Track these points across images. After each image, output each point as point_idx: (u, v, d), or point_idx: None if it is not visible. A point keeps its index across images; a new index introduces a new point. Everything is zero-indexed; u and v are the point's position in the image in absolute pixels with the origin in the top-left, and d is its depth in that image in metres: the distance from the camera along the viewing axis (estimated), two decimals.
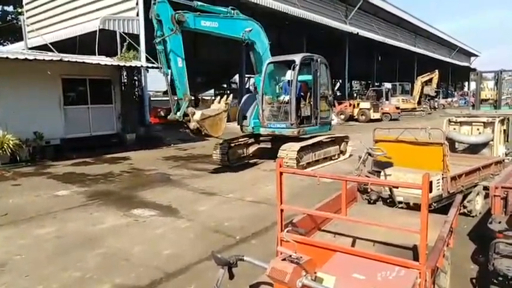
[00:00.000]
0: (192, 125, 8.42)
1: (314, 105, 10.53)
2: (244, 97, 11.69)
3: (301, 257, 1.88)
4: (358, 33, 28.33)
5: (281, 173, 2.70)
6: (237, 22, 10.00)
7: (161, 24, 8.25)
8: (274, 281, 1.90)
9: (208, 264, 4.11)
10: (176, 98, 8.60)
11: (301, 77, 10.52)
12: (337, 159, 11.11)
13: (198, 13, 8.97)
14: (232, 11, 9.92)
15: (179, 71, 8.39)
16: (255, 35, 10.32)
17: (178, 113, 8.43)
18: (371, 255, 2.46)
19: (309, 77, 10.58)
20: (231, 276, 2.05)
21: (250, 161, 10.90)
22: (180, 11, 8.39)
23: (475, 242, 4.69)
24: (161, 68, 8.46)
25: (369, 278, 2.17)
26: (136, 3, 15.43)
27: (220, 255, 2.03)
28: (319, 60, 10.60)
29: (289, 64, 10.17)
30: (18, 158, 10.81)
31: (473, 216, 5.63)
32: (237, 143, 10.63)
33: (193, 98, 8.65)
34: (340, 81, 30.09)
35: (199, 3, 9.29)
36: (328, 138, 10.90)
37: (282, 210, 2.79)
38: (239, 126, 11.30)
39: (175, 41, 8.31)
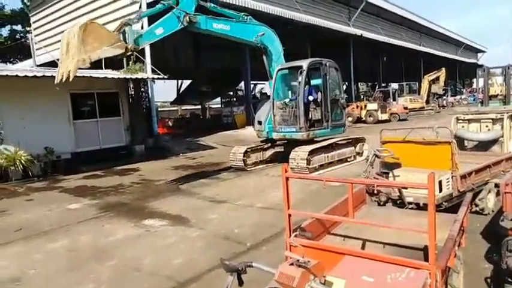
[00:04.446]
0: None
1: (325, 108, 10.60)
2: (260, 104, 11.94)
3: (308, 261, 1.89)
4: (362, 34, 28.28)
5: (287, 178, 2.71)
6: (250, 26, 10.19)
7: (177, 4, 8.59)
8: (283, 286, 1.91)
9: (219, 272, 4.10)
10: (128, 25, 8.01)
11: (313, 82, 10.78)
12: (353, 160, 11.09)
13: (210, 16, 9.17)
14: (246, 17, 10.11)
15: (152, 33, 8.35)
16: (268, 39, 10.49)
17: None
18: (380, 257, 2.45)
19: (320, 81, 10.71)
20: (240, 282, 2.06)
21: (259, 167, 10.94)
22: (193, 13, 8.66)
23: (489, 241, 4.62)
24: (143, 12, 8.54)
25: (378, 280, 2.17)
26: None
27: (228, 262, 2.04)
28: (327, 64, 10.71)
29: (298, 70, 10.29)
30: (30, 174, 10.98)
31: (485, 215, 5.55)
32: (253, 148, 10.94)
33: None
34: (346, 83, 29.93)
35: (212, 4, 9.50)
36: (343, 140, 10.96)
37: (289, 215, 2.80)
38: (253, 132, 11.50)
39: (171, 21, 8.47)
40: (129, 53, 7.96)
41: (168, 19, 8.52)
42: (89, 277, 4.42)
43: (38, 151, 11.37)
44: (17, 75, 10.61)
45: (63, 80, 6.89)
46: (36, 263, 4.96)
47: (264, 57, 10.93)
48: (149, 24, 15.17)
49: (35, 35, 21.53)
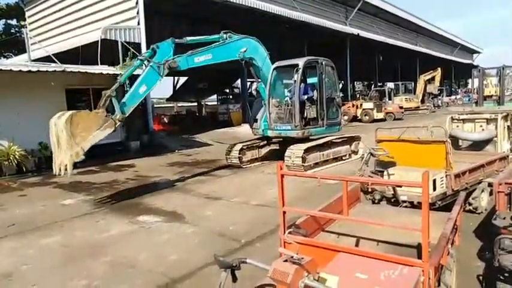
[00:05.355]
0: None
1: (320, 106, 10.61)
2: (255, 101, 11.90)
3: (302, 258, 1.89)
4: (358, 34, 28.32)
5: (282, 176, 2.71)
6: (231, 46, 9.75)
7: (154, 54, 8.35)
8: (277, 282, 1.91)
9: (213, 269, 4.11)
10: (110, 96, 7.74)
11: (310, 80, 10.78)
12: (348, 159, 11.13)
13: (189, 52, 8.80)
14: (225, 35, 9.73)
15: (136, 94, 8.13)
16: (252, 51, 10.21)
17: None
18: (374, 254, 2.47)
19: (316, 80, 10.70)
20: (234, 279, 2.07)
21: (254, 165, 10.96)
22: (172, 58, 8.37)
23: (481, 239, 4.66)
24: (121, 75, 8.26)
25: (371, 277, 2.17)
26: (137, 13, 15.56)
27: (222, 258, 2.05)
28: (324, 62, 10.71)
29: (294, 68, 10.27)
30: (24, 169, 10.92)
31: (479, 213, 5.60)
32: (249, 145, 10.95)
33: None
34: (343, 82, 29.98)
35: (189, 38, 9.19)
36: (338, 138, 11.00)
37: (284, 213, 2.80)
38: (249, 130, 11.47)
39: (151, 76, 8.23)
40: (118, 124, 7.76)
41: (149, 74, 8.20)
42: (82, 273, 4.40)
43: (32, 146, 11.29)
44: (11, 70, 10.52)
45: (62, 173, 6.95)
46: (30, 258, 4.94)
47: (251, 68, 10.79)
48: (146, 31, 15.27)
49: (30, 30, 21.33)
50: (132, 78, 8.83)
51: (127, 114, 7.94)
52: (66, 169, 6.81)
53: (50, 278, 4.33)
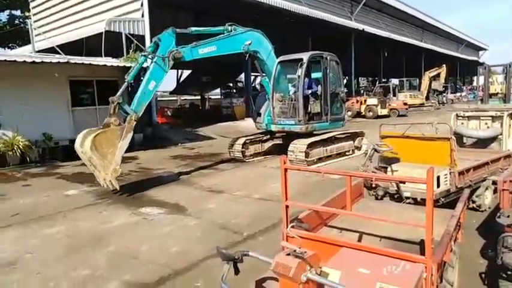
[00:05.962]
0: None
1: (324, 101, 10.56)
2: (259, 96, 11.88)
3: (305, 252, 1.89)
4: (363, 29, 28.12)
5: (285, 170, 2.71)
6: (236, 38, 9.67)
7: (157, 48, 8.35)
8: (279, 275, 1.91)
9: (215, 261, 4.12)
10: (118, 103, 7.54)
11: (314, 75, 10.73)
12: (351, 154, 11.12)
13: (194, 43, 8.76)
14: (230, 27, 9.67)
15: (146, 91, 8.13)
16: (256, 44, 10.12)
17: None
18: (376, 249, 2.46)
19: (321, 75, 10.64)
20: (237, 271, 2.07)
21: (257, 159, 10.96)
22: (176, 48, 8.37)
23: (484, 237, 4.65)
24: (128, 74, 8.22)
25: (374, 273, 2.17)
26: (141, 5, 15.50)
27: (225, 251, 2.05)
28: (328, 57, 10.65)
29: (299, 62, 10.21)
30: (28, 159, 10.97)
31: (482, 211, 5.58)
32: (252, 140, 10.96)
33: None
34: (347, 77, 29.83)
35: (194, 28, 9.17)
36: (342, 134, 10.98)
37: (287, 207, 2.80)
38: (252, 124, 11.47)
39: (158, 71, 8.26)
40: (134, 125, 7.77)
41: (155, 69, 8.22)
42: (85, 263, 4.43)
43: (36, 137, 11.34)
44: (15, 61, 10.53)
45: (111, 188, 7.30)
46: (33, 247, 4.97)
47: (256, 61, 10.73)
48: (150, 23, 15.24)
49: (34, 21, 21.31)
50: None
51: (141, 113, 8.02)
52: (112, 183, 7.20)
53: (53, 267, 4.37)
